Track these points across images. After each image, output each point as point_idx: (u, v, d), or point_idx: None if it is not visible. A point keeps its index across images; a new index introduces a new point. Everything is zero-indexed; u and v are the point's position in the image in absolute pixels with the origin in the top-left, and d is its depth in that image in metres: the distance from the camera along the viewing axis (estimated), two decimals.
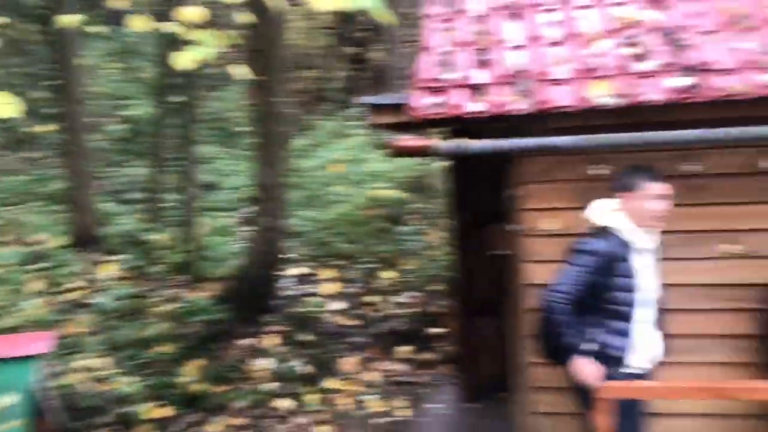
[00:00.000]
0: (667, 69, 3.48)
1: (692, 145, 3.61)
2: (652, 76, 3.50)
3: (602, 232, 3.23)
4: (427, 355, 6.59)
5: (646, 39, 3.70)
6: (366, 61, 14.14)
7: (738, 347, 3.85)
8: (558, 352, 3.31)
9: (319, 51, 14.09)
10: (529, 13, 4.12)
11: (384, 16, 3.32)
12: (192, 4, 3.95)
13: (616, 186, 3.31)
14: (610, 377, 3.17)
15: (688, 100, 3.34)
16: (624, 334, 3.24)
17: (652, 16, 3.83)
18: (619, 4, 4.05)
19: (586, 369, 3.17)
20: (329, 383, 6.08)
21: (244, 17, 4.29)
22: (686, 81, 3.36)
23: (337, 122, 12.09)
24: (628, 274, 3.20)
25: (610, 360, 3.24)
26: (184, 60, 3.58)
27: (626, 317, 3.23)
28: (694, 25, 3.73)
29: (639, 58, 3.60)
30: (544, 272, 3.99)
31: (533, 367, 4.08)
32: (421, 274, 7.72)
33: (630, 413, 3.23)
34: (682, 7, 3.90)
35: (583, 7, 4.09)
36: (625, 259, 3.19)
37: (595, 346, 3.22)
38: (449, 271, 6.04)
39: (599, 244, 3.18)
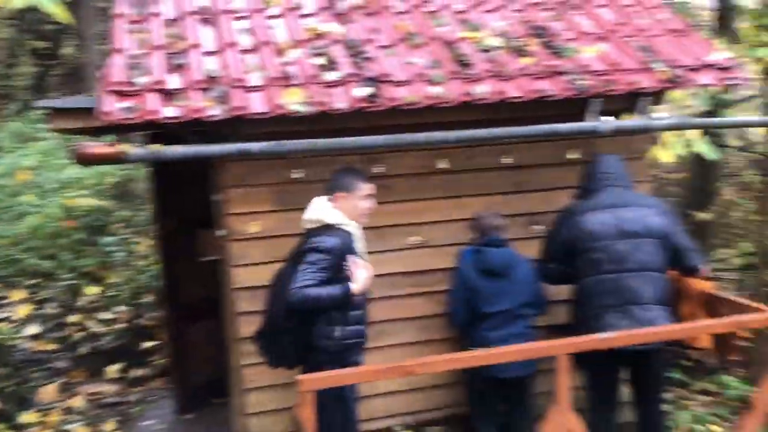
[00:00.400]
0: (351, 79, 3.77)
1: (376, 149, 3.97)
2: (339, 85, 3.76)
3: (330, 229, 3.38)
4: (139, 371, 6.27)
5: (332, 50, 3.96)
6: (58, 57, 12.92)
7: (424, 327, 4.35)
8: (306, 348, 3.38)
9: (0, 44, 12.52)
10: (221, 20, 4.14)
11: (58, 14, 3.08)
12: None
13: (334, 186, 3.49)
14: (349, 365, 3.35)
15: (370, 109, 3.66)
16: (360, 321, 3.47)
17: (336, 29, 4.11)
18: (305, 15, 4.27)
19: (360, 273, 3.29)
20: (25, 417, 5.46)
21: None
22: (367, 91, 3.68)
23: (24, 124, 10.83)
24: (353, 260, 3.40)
25: (353, 348, 3.44)
26: None
27: (359, 305, 3.45)
28: (373, 40, 4.09)
29: (326, 68, 3.83)
30: (253, 275, 4.09)
31: (247, 369, 4.15)
32: (130, 287, 7.31)
33: (342, 399, 3.46)
34: (362, 22, 4.25)
35: (273, 17, 4.23)
36: (354, 253, 3.39)
37: (336, 342, 3.36)
38: (160, 279, 5.82)
39: (332, 241, 3.32)
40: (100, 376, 6.24)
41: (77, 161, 3.46)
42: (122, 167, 8.45)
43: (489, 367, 3.81)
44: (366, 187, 3.52)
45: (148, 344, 6.55)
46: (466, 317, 4.02)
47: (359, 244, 3.50)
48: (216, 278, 5.19)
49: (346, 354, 3.41)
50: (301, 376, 2.93)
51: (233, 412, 4.95)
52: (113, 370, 6.23)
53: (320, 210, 3.44)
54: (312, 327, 3.36)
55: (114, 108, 3.48)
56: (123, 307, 7.06)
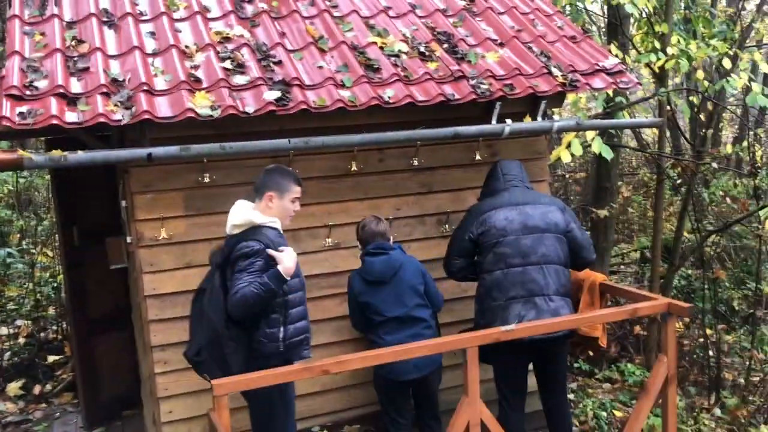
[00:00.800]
0: (260, 83, 3.77)
1: (287, 152, 3.98)
2: (248, 89, 3.76)
3: (257, 229, 3.33)
4: (43, 387, 6.02)
5: (240, 54, 3.95)
6: None
7: (340, 328, 4.40)
8: (251, 355, 3.31)
9: None
10: (125, 23, 4.05)
11: None
12: None
13: (265, 185, 3.43)
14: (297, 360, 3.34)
15: (280, 112, 3.67)
16: (302, 317, 3.45)
17: (243, 32, 4.10)
18: (212, 19, 4.23)
19: (282, 255, 3.24)
20: None
21: None
22: (276, 94, 3.69)
23: None
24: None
25: (298, 346, 3.41)
26: None
27: (299, 302, 3.44)
28: (281, 43, 4.11)
29: (235, 71, 3.82)
30: (163, 282, 4.01)
31: (159, 377, 4.07)
32: (31, 299, 7.00)
33: (286, 399, 3.46)
34: (270, 26, 4.25)
35: (179, 20, 4.17)
36: (274, 249, 3.31)
37: (280, 343, 3.32)
38: (65, 291, 5.61)
39: (260, 242, 3.27)
40: (1, 393, 5.95)
41: None
42: (20, 175, 8.08)
43: (391, 371, 3.90)
44: (297, 189, 3.50)
45: (53, 358, 6.30)
46: (364, 324, 4.09)
47: (284, 241, 3.45)
48: (126, 287, 5.07)
49: (291, 353, 3.38)
50: (215, 381, 2.92)
51: (146, 422, 4.84)
52: (13, 387, 5.95)
53: (246, 212, 3.39)
54: (254, 332, 3.31)
55: (12, 113, 3.34)
56: (23, 321, 6.76)
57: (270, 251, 3.27)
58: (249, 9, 4.39)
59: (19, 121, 3.31)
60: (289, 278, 3.27)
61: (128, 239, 4.15)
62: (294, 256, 3.31)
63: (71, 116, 3.39)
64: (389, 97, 3.89)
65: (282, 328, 3.34)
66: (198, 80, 3.72)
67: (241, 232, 3.35)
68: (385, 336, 3.97)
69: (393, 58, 4.18)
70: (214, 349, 3.30)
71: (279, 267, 3.23)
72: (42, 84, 3.51)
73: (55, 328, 6.73)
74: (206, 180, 3.96)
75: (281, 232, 3.44)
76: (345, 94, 3.85)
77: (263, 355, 3.31)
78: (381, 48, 4.25)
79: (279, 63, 3.96)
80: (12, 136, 4.95)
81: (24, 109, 3.38)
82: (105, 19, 4.08)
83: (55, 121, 3.32)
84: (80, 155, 3.42)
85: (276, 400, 3.40)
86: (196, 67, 3.81)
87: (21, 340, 6.53)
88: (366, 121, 4.10)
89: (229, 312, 3.22)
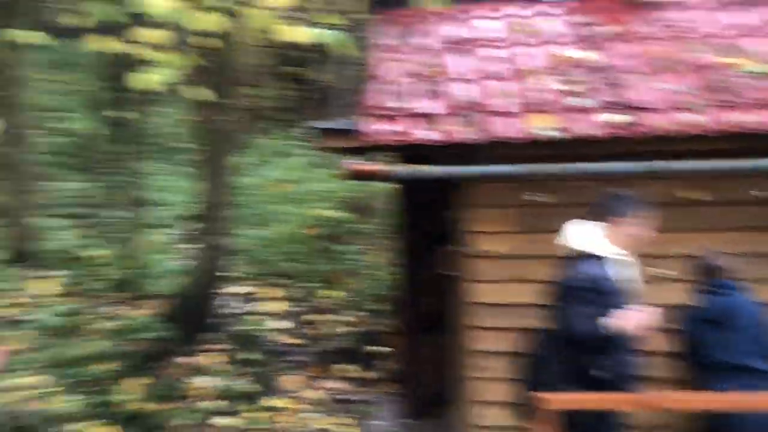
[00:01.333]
0: (603, 106, 3.77)
1: (622, 176, 3.89)
2: (589, 111, 3.78)
3: (591, 258, 3.27)
4: (369, 373, 6.68)
5: (584, 77, 4.00)
6: (308, 81, 14.19)
7: (662, 364, 4.14)
8: (575, 377, 3.28)
9: (261, 69, 14.07)
10: (475, 49, 4.37)
11: (347, 47, 3.50)
12: (148, 25, 4.02)
13: (610, 210, 3.35)
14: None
15: (624, 136, 3.62)
16: (634, 348, 3.34)
17: (588, 56, 4.14)
18: (558, 43, 4.35)
19: (633, 318, 3.13)
20: (271, 401, 6.10)
21: (210, 42, 4.36)
22: (623, 118, 3.65)
23: (278, 141, 12.12)
24: (621, 292, 3.27)
25: (628, 378, 3.32)
26: (144, 80, 3.66)
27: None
28: (627, 66, 4.06)
29: (577, 94, 3.88)
30: (489, 292, 4.22)
31: (476, 382, 4.28)
32: (363, 294, 7.82)
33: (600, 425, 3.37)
34: (615, 49, 4.23)
35: (525, 45, 4.37)
36: (614, 283, 3.26)
37: (612, 372, 3.25)
38: (394, 289, 6.19)
39: (591, 273, 3.22)
40: (335, 373, 6.75)
41: (345, 176, 3.86)
42: (360, 184, 9.08)
43: (737, 427, 3.51)
44: (645, 216, 3.35)
45: (377, 348, 6.96)
46: (693, 364, 3.79)
47: (628, 273, 3.36)
48: (444, 293, 5.41)
49: (620, 385, 3.25)
50: (543, 395, 2.98)
51: (459, 422, 5.11)
52: (346, 369, 6.71)
53: (585, 238, 3.33)
54: (583, 361, 3.26)
55: (375, 130, 3.83)
56: (356, 312, 7.58)
57: (619, 315, 3.14)
58: (593, 33, 4.41)
59: (385, 138, 3.79)
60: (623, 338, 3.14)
61: (459, 248, 4.44)
62: (642, 321, 3.13)
63: (427, 134, 3.77)
64: (748, 123, 3.59)
65: (612, 358, 3.23)
66: (541, 103, 3.86)
67: (576, 256, 3.32)
68: (713, 382, 3.64)
69: (749, 81, 3.86)
70: (544, 378, 3.32)
71: (619, 323, 3.10)
72: (403, 105, 3.96)
73: (381, 322, 7.42)
74: (540, 199, 4.05)
75: (622, 260, 3.33)
76: (694, 118, 3.66)
77: (591, 385, 3.22)
78: (735, 70, 3.95)
79: (622, 86, 3.92)
80: (355, 152, 5.60)
81: (386, 127, 3.85)
82: (457, 46, 4.45)
83: (415, 139, 3.72)
84: (438, 169, 3.77)
85: (600, 429, 3.33)
86: (539, 91, 3.96)
87: (352, 329, 7.34)
88: (709, 146, 3.82)
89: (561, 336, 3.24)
